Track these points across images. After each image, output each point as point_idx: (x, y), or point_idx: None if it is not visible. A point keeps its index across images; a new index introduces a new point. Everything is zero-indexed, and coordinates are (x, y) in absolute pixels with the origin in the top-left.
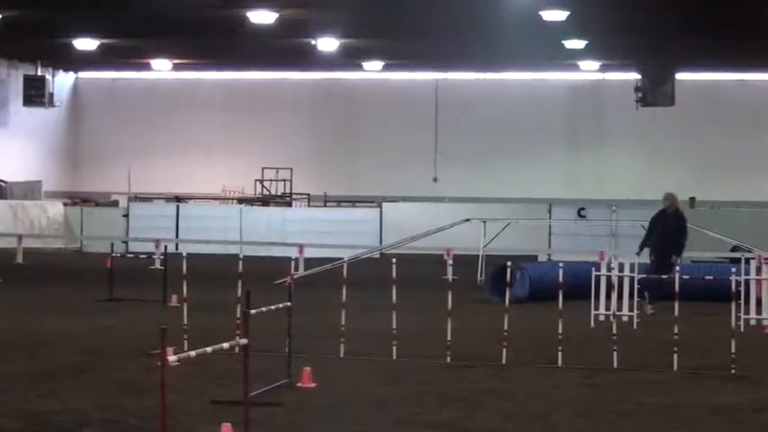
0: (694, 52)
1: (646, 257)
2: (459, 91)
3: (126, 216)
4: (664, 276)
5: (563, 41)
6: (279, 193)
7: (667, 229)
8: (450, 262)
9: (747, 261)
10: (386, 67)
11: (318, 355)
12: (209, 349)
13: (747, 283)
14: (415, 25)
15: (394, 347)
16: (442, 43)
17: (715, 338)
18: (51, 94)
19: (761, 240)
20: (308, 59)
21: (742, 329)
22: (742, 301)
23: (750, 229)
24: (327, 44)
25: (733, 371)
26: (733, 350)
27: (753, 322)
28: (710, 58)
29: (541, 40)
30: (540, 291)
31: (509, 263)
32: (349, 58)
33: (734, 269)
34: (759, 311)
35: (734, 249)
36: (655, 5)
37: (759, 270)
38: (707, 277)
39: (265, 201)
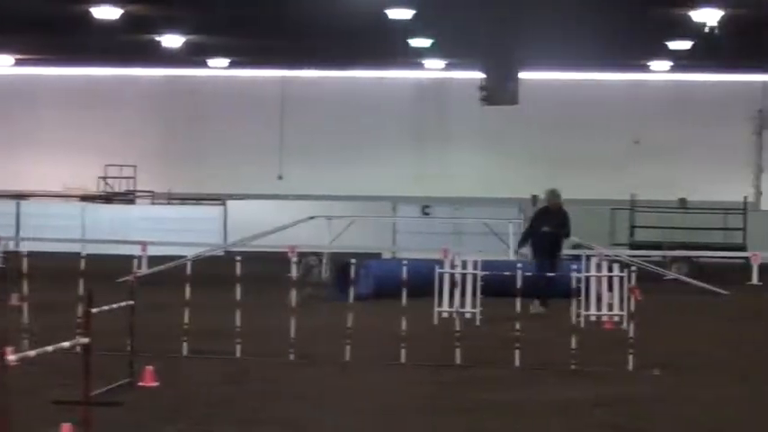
0: (538, 51)
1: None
2: (305, 88)
3: None
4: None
5: (408, 40)
6: (122, 191)
7: (549, 226)
8: (295, 260)
9: (588, 258)
10: (232, 65)
11: (161, 353)
12: (49, 348)
13: (588, 280)
14: (260, 23)
15: (238, 346)
16: (288, 41)
17: (556, 335)
18: None
19: (601, 238)
20: (153, 56)
21: (582, 326)
22: (582, 298)
23: (591, 227)
24: (172, 41)
25: (573, 367)
26: (573, 346)
27: (593, 318)
28: (554, 57)
29: (387, 39)
30: (384, 288)
31: (353, 260)
32: (194, 55)
33: (575, 266)
34: (599, 308)
35: (575, 247)
36: (499, 4)
37: (599, 267)
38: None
39: (108, 198)
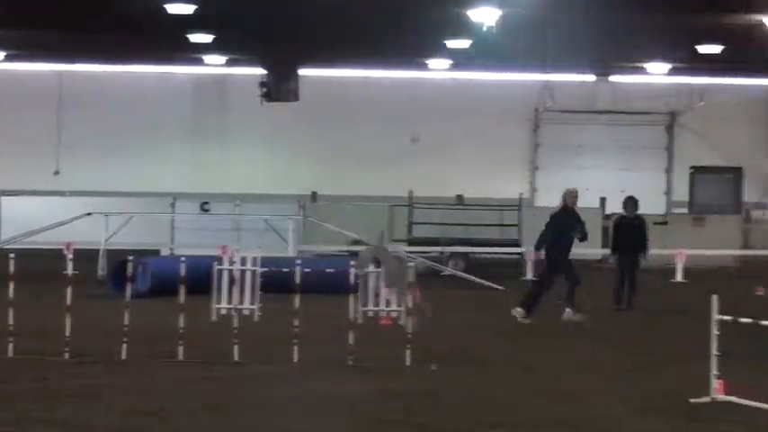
0: (319, 49)
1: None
2: (84, 83)
3: None
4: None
5: (188, 35)
6: None
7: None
8: (71, 256)
9: None
10: (7, 58)
11: None
12: None
13: (366, 275)
14: (37, 16)
15: (10, 345)
16: (66, 34)
17: (334, 330)
18: None
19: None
20: None
21: (360, 321)
22: (360, 294)
23: (370, 224)
24: None
25: (351, 362)
26: (351, 341)
27: (370, 314)
28: (335, 54)
29: (167, 34)
30: (161, 285)
31: (130, 257)
32: None
33: (353, 263)
34: (376, 303)
35: (353, 243)
36: (280, 1)
37: (377, 263)
38: (328, 270)
39: None
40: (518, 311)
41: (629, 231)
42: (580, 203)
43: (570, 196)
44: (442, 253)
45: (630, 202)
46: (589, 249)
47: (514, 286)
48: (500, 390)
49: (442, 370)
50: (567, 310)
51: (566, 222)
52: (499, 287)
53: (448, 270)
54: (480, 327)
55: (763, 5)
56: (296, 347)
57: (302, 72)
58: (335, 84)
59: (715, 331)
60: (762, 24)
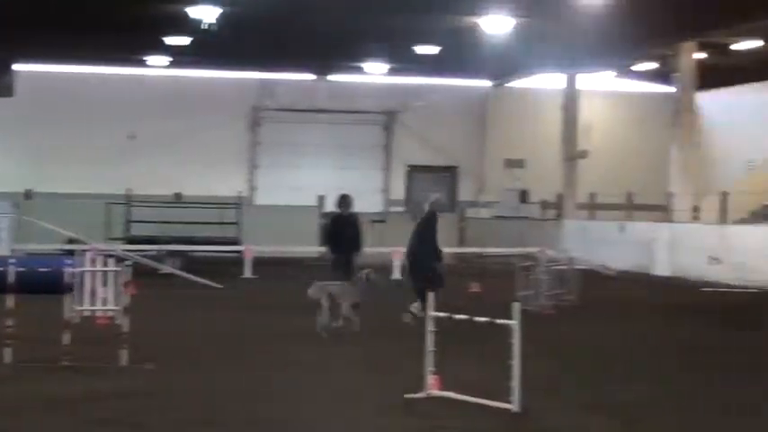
0: (34, 44)
1: None
2: None
3: None
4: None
5: None
6: None
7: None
8: None
9: (83, 253)
10: None
11: None
12: None
13: (82, 274)
14: None
15: None
16: None
17: (49, 330)
18: None
19: (97, 232)
20: None
21: (77, 321)
22: (76, 293)
23: (85, 222)
24: None
25: (65, 362)
26: (66, 342)
27: (87, 313)
28: (51, 49)
29: None
30: None
31: None
32: None
33: (69, 261)
34: (93, 302)
35: (69, 242)
36: None
37: (93, 262)
38: (42, 269)
39: None
40: (414, 306)
41: (344, 229)
42: (299, 202)
43: (440, 204)
44: (160, 251)
45: (345, 200)
46: (307, 247)
47: (233, 284)
48: (215, 388)
49: (159, 369)
50: (415, 304)
51: (432, 227)
52: (217, 285)
53: (166, 268)
54: (198, 325)
55: (478, 7)
56: (9, 348)
57: (17, 67)
58: (52, 80)
59: (430, 328)
60: (477, 26)
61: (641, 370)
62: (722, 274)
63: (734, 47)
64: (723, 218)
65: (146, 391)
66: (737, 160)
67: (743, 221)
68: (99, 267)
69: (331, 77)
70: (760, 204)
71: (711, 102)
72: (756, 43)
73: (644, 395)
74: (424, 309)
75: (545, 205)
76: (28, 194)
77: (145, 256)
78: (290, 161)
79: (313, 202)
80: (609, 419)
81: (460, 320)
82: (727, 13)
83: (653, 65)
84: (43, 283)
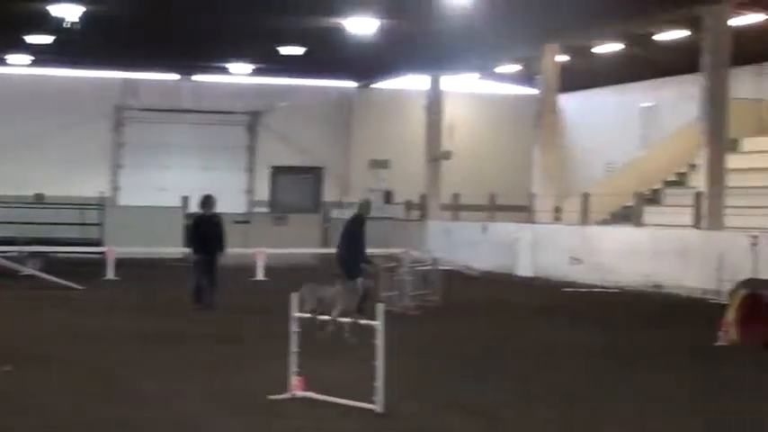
0: None
1: None
2: None
3: None
4: None
5: None
6: None
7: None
8: None
9: None
10: None
11: None
12: None
13: None
14: None
15: None
16: None
17: None
18: None
19: None
20: None
21: None
22: None
23: None
24: None
25: None
26: None
27: None
28: None
29: None
30: None
31: None
32: None
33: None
34: None
35: None
36: None
37: None
38: None
39: None
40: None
41: (207, 230)
42: (163, 202)
43: (368, 206)
44: (20, 253)
45: (208, 201)
46: (171, 248)
47: (95, 286)
48: (72, 391)
49: (17, 371)
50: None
51: (359, 230)
52: (78, 287)
53: (27, 270)
54: (58, 327)
55: (343, 9)
56: None
57: None
58: None
59: (294, 329)
60: (342, 27)
61: (502, 370)
62: (583, 274)
63: (595, 50)
64: (584, 219)
65: (3, 392)
66: (598, 162)
67: (604, 222)
68: None
69: (196, 77)
70: (620, 206)
71: (573, 104)
72: (616, 46)
73: (503, 395)
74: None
75: (409, 206)
76: None
77: (5, 258)
78: (155, 161)
79: (177, 202)
80: (469, 418)
81: (324, 321)
82: (589, 17)
83: (516, 67)
84: None
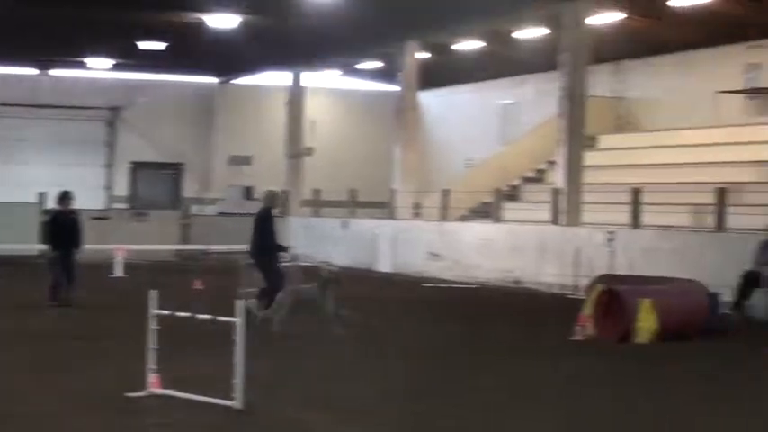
0: None
1: None
2: None
3: None
4: None
5: None
6: None
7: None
8: None
9: None
10: None
11: None
12: None
13: None
14: None
15: None
16: None
17: None
18: None
19: None
20: None
21: None
22: None
23: None
24: None
25: None
26: None
27: None
28: None
29: None
30: None
31: None
32: None
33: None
34: None
35: None
36: None
37: None
38: None
39: None
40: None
41: (64, 226)
42: (19, 198)
43: (273, 198)
44: None
45: (65, 197)
46: (27, 245)
47: None
48: None
49: None
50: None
51: (269, 223)
52: None
53: None
54: None
55: (204, 4)
56: None
57: None
58: None
59: (153, 326)
60: (202, 22)
61: (362, 367)
62: (443, 270)
63: (456, 47)
64: (443, 215)
65: None
66: (458, 159)
67: (463, 218)
68: None
69: (54, 72)
70: (478, 202)
71: (434, 101)
72: (477, 44)
73: (363, 391)
74: (266, 307)
75: None
76: None
77: None
78: (11, 157)
79: (33, 198)
80: (323, 414)
81: (184, 317)
82: (450, 15)
83: (377, 64)
84: None
